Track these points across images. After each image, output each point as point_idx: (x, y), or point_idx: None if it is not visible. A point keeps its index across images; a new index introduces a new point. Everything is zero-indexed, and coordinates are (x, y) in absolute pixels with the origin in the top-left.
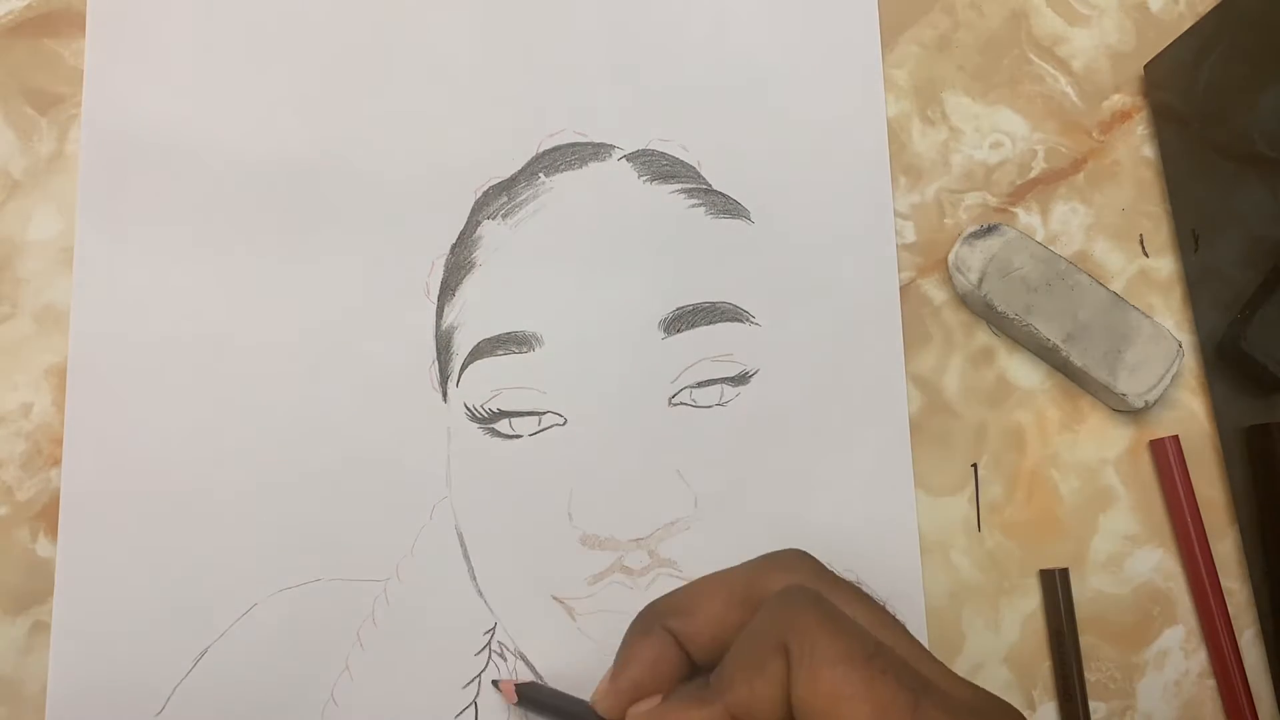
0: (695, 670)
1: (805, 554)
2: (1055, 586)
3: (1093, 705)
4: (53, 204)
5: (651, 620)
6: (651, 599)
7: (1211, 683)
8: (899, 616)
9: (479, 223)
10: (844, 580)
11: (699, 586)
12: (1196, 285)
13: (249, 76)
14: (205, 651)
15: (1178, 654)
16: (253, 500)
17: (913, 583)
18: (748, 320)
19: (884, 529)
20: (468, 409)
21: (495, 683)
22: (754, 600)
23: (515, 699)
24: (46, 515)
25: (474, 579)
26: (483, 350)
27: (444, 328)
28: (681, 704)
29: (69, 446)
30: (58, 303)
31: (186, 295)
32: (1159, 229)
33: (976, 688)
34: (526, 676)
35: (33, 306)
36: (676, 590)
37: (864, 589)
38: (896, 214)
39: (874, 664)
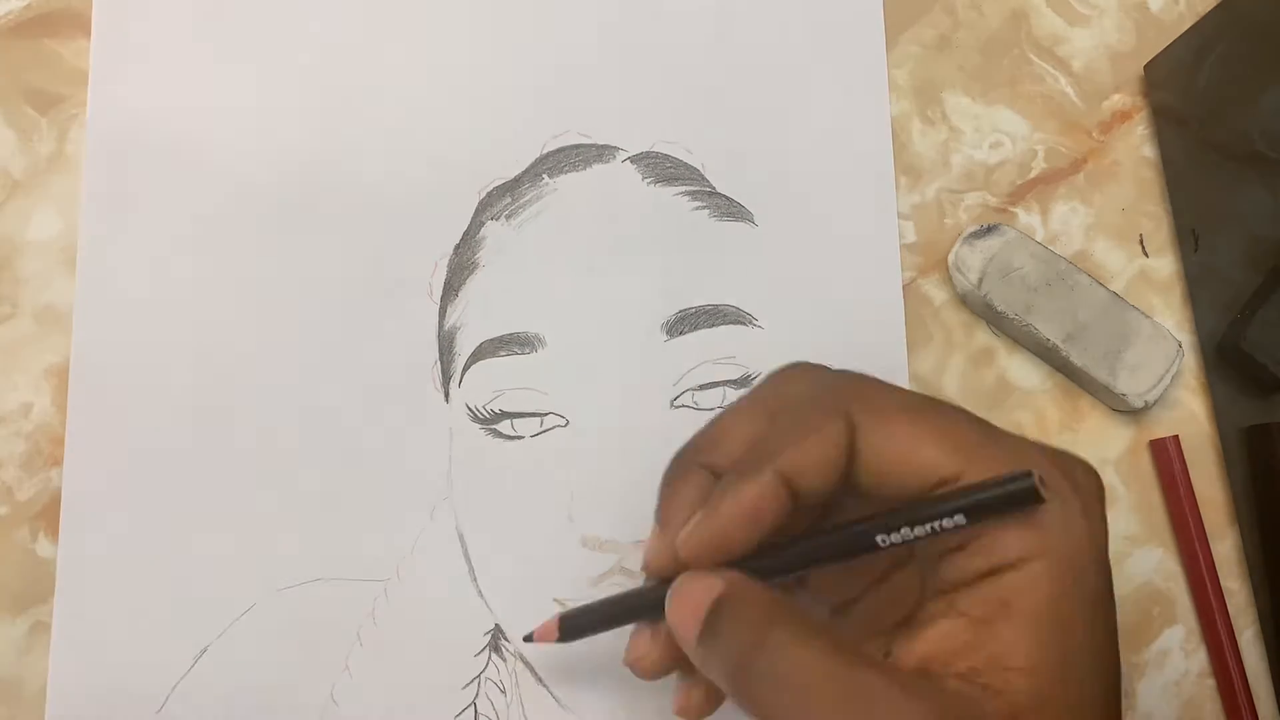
0: None
1: (811, 362)
2: None
3: None
4: (53, 204)
5: (684, 463)
6: None
7: (1211, 683)
8: None
9: (482, 223)
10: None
11: (723, 417)
12: (1196, 285)
13: (252, 77)
14: (205, 651)
15: (1178, 654)
16: (253, 499)
17: None
18: (750, 323)
19: None
20: (469, 409)
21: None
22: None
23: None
24: (46, 515)
25: (474, 580)
26: (485, 351)
27: (446, 328)
28: (728, 485)
29: (70, 446)
30: (58, 303)
31: (188, 295)
32: (1159, 229)
33: (1040, 446)
34: (526, 677)
35: (33, 306)
36: (700, 430)
37: None
38: (898, 214)
39: (943, 408)
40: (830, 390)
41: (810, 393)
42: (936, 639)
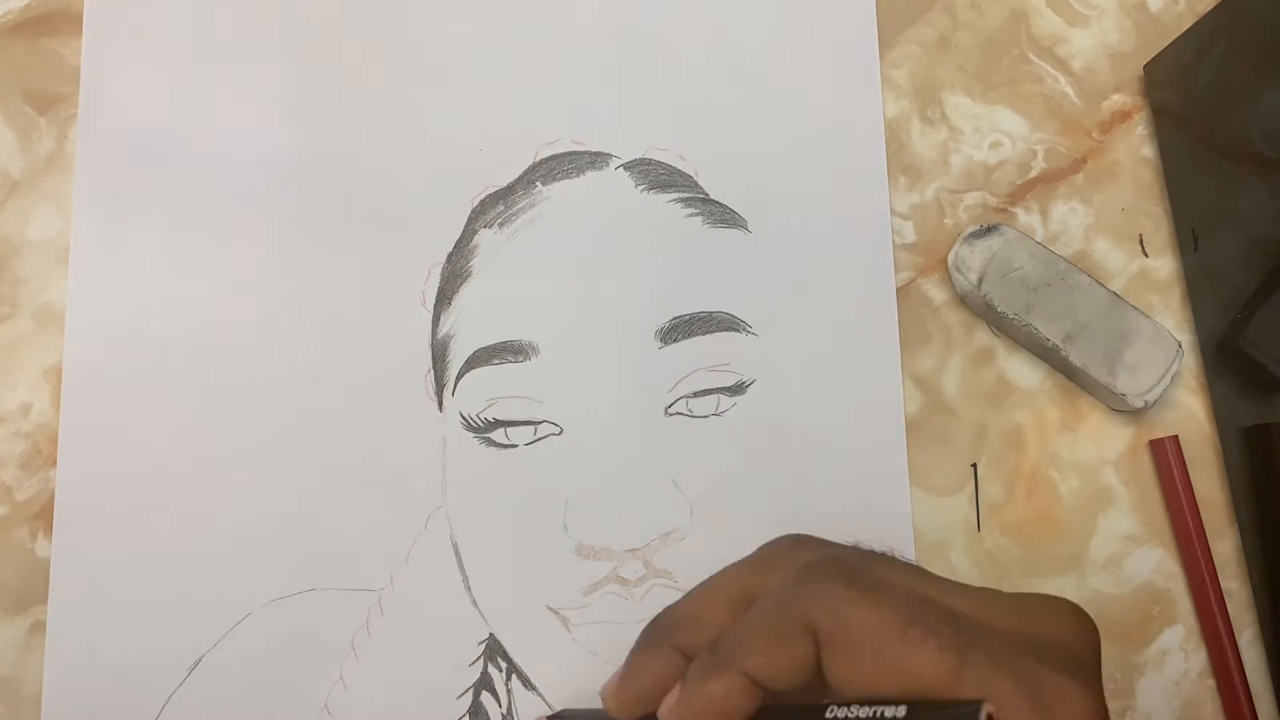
0: None
1: (802, 536)
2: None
3: None
4: (52, 204)
5: (658, 638)
6: (647, 610)
7: (1211, 683)
8: None
9: (475, 231)
10: (857, 548)
11: (701, 597)
12: (1196, 285)
13: (246, 82)
14: (199, 661)
15: (1178, 654)
16: (247, 508)
17: None
18: (744, 330)
19: (881, 542)
20: (463, 418)
21: None
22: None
23: None
24: (45, 515)
25: (468, 589)
26: (478, 359)
27: (440, 336)
28: (698, 681)
29: (64, 450)
30: (56, 303)
31: (181, 300)
32: (1159, 229)
33: (1030, 612)
34: (520, 686)
35: (32, 306)
36: (679, 602)
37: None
38: (897, 214)
39: (911, 634)
40: (803, 601)
41: (784, 596)
42: None
